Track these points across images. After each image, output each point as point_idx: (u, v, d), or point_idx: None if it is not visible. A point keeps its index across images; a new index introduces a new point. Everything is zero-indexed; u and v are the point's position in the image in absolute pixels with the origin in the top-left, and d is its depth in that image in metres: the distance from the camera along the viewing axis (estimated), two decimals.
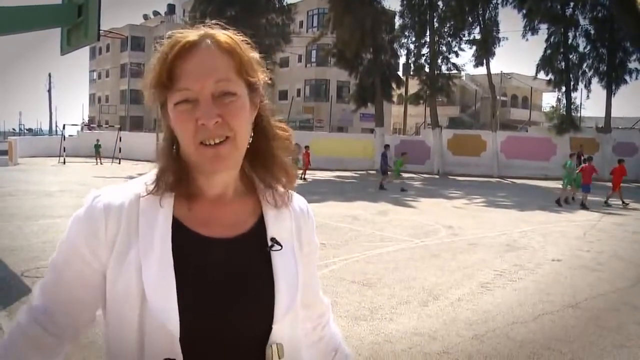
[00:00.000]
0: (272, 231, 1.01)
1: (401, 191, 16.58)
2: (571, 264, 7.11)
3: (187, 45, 0.90)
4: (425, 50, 29.19)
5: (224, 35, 0.93)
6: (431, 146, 27.47)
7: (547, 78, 28.49)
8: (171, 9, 56.88)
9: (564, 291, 5.71)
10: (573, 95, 28.11)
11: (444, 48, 29.12)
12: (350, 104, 32.41)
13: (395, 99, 33.82)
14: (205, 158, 0.91)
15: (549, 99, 63.44)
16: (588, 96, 53.37)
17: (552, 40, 27.49)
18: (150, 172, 0.98)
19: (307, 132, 30.99)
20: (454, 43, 29.00)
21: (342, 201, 13.84)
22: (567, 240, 8.89)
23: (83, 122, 48.49)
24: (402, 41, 30.39)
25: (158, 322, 0.86)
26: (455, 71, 29.70)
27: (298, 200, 1.10)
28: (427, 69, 28.77)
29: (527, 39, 43.40)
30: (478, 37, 28.07)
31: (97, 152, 29.13)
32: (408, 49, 30.57)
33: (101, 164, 28.10)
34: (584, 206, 13.66)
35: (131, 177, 1.03)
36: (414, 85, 31.34)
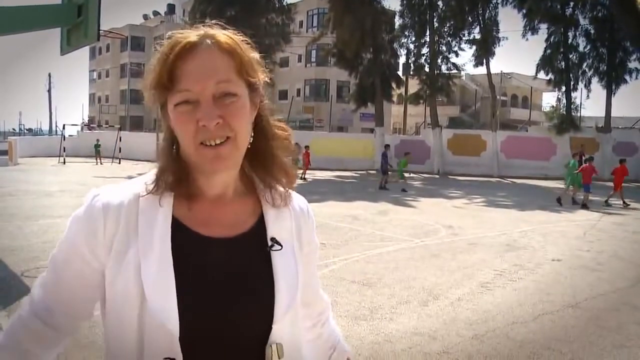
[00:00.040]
0: (272, 231, 1.01)
1: (401, 191, 16.60)
2: (571, 263, 7.11)
3: (187, 45, 0.90)
4: (425, 50, 29.23)
5: (224, 35, 0.93)
6: (431, 146, 27.48)
7: (547, 78, 28.50)
8: (171, 9, 56.86)
9: (564, 291, 5.71)
10: (573, 95, 28.17)
11: (444, 48, 29.14)
12: (350, 103, 32.40)
13: (395, 98, 33.82)
14: (205, 159, 0.91)
15: (549, 99, 63.42)
16: (588, 96, 53.46)
17: (552, 40, 27.50)
18: (149, 172, 0.98)
19: (307, 132, 30.98)
20: (453, 43, 29.06)
21: (342, 201, 13.84)
22: (567, 240, 8.89)
23: (83, 122, 48.51)
24: (402, 41, 30.45)
25: (157, 321, 0.86)
26: (455, 71, 29.73)
27: (298, 199, 1.10)
28: (427, 69, 28.78)
29: (527, 39, 43.42)
30: (478, 36, 28.09)
31: (97, 152, 29.13)
32: (408, 49, 30.63)
33: (101, 164, 28.09)
34: (584, 206, 13.66)
35: (131, 177, 1.04)
36: (414, 85, 31.33)
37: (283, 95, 41.91)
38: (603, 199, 14.60)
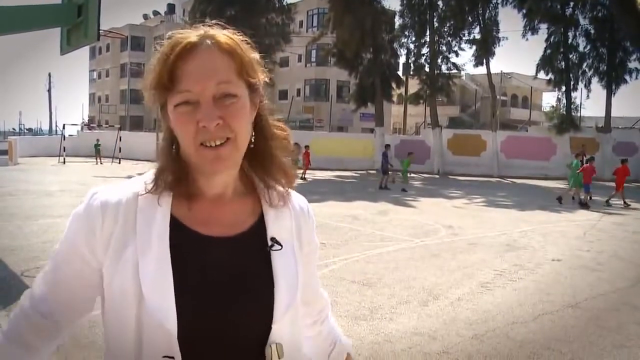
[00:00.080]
0: (272, 231, 1.01)
1: (402, 191, 16.63)
2: (571, 263, 7.11)
3: (188, 46, 0.90)
4: (425, 50, 29.24)
5: (225, 36, 0.93)
6: (431, 146, 27.48)
7: (547, 78, 28.51)
8: (171, 8, 56.86)
9: (564, 291, 5.71)
10: (573, 95, 28.18)
11: (444, 48, 29.16)
12: (350, 103, 32.40)
13: (395, 98, 33.82)
14: (205, 159, 0.91)
15: (549, 99, 63.46)
16: (588, 96, 53.46)
17: (552, 40, 27.51)
18: (149, 172, 0.98)
19: (307, 132, 30.99)
20: (454, 43, 29.08)
21: (342, 201, 13.84)
22: (567, 240, 8.89)
23: (83, 122, 48.50)
24: (402, 41, 30.46)
25: (155, 320, 0.86)
26: (455, 71, 29.75)
27: (298, 199, 1.10)
28: (427, 69, 28.79)
29: (527, 39, 43.39)
30: (478, 36, 28.11)
31: (97, 152, 29.13)
32: (408, 49, 30.64)
33: (101, 163, 28.09)
34: (585, 205, 13.67)
35: (131, 177, 1.04)
36: (414, 85, 31.34)
37: (283, 95, 41.92)
38: (603, 199, 14.59)
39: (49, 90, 61.68)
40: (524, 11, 26.90)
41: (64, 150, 28.39)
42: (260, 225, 1.01)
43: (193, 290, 0.90)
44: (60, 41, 7.73)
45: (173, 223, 0.94)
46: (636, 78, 26.43)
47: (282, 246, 0.99)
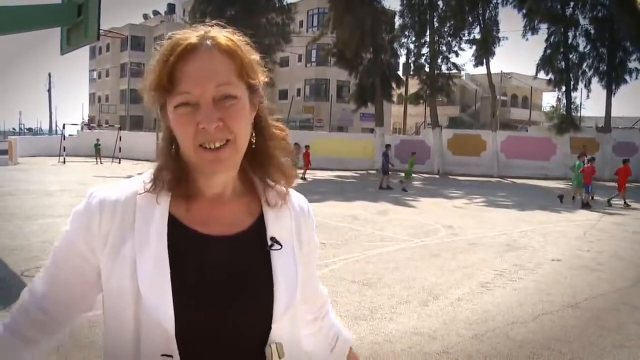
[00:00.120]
0: (271, 230, 1.01)
1: (402, 190, 16.64)
2: (571, 263, 7.11)
3: (188, 47, 0.90)
4: (425, 50, 29.23)
5: (225, 37, 0.93)
6: (431, 146, 27.47)
7: (547, 78, 28.50)
8: (171, 8, 56.85)
9: (563, 291, 5.71)
10: (573, 95, 28.16)
11: (444, 48, 29.15)
12: (350, 103, 32.40)
13: (395, 98, 33.80)
14: (205, 161, 0.91)
15: (549, 99, 63.45)
16: (588, 96, 53.44)
17: (552, 39, 27.50)
18: (148, 171, 0.99)
19: (307, 132, 31.00)
20: (454, 43, 29.07)
21: (342, 201, 13.84)
22: (567, 240, 8.89)
23: (83, 122, 48.57)
24: (402, 41, 30.46)
25: (153, 318, 0.87)
26: (455, 71, 29.74)
27: (298, 199, 1.11)
28: (427, 69, 28.79)
29: (527, 39, 43.39)
30: (478, 36, 28.10)
31: (97, 152, 29.13)
32: (408, 49, 30.64)
33: (101, 163, 28.10)
34: (585, 205, 13.66)
35: (131, 177, 1.04)
36: (414, 85, 31.34)
37: (283, 95, 41.91)
38: (603, 199, 14.60)
39: (49, 90, 61.75)
40: (524, 11, 26.89)
41: (64, 150, 28.39)
42: (259, 224, 1.01)
43: (191, 289, 0.90)
44: (60, 41, 7.74)
45: (171, 222, 0.94)
46: (636, 78, 26.47)
47: (282, 246, 1.00)
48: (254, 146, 0.98)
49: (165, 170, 0.95)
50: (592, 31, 26.86)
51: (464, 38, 28.85)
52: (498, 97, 31.73)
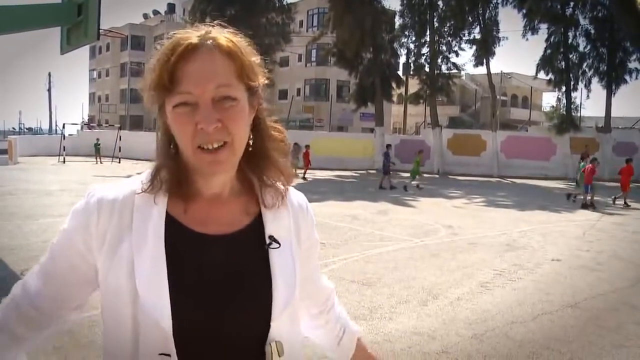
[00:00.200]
0: (270, 229, 1.01)
1: (403, 189, 16.68)
2: (570, 263, 7.12)
3: (189, 47, 0.90)
4: (425, 50, 29.25)
5: (226, 38, 0.93)
6: (431, 146, 27.46)
7: (547, 78, 28.50)
8: (171, 8, 56.86)
9: (563, 291, 5.71)
10: (573, 95, 28.15)
11: (444, 47, 29.17)
12: (350, 103, 32.39)
13: (395, 98, 33.80)
14: (203, 162, 0.91)
15: (549, 99, 63.38)
16: (588, 96, 53.42)
17: (552, 40, 27.50)
18: (146, 171, 0.99)
19: (307, 132, 31.01)
20: (454, 42, 29.09)
21: (342, 200, 13.84)
22: (567, 240, 8.90)
23: (83, 121, 48.59)
24: (402, 41, 30.47)
25: (150, 318, 0.87)
26: (455, 71, 29.75)
27: (297, 196, 1.11)
28: (427, 69, 28.80)
29: (527, 39, 43.29)
30: (478, 36, 28.11)
31: (97, 151, 29.10)
32: (408, 49, 30.66)
33: (101, 163, 28.09)
34: (585, 205, 13.65)
35: (130, 177, 1.04)
36: (414, 85, 31.34)
37: (283, 94, 41.91)
38: (603, 199, 14.60)
39: (49, 90, 61.70)
40: (524, 11, 26.89)
41: (64, 150, 28.36)
42: (257, 223, 1.01)
43: (189, 288, 0.90)
44: (60, 40, 7.73)
45: (169, 221, 0.94)
46: (636, 78, 26.48)
47: (280, 244, 1.00)
48: (251, 148, 0.98)
49: (163, 170, 0.95)
50: (592, 31, 26.87)
51: (464, 38, 28.92)
52: (498, 97, 31.74)
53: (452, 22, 28.11)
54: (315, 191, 15.15)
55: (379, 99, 28.10)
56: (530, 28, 27.27)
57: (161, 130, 0.98)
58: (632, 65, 26.18)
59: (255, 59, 0.97)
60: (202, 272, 0.92)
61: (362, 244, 7.98)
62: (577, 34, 27.37)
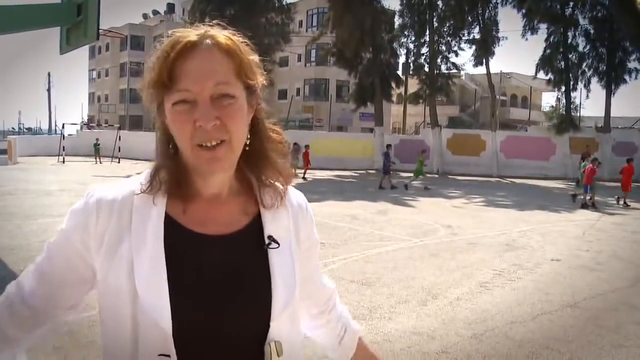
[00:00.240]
0: (269, 229, 1.01)
1: (404, 187, 16.72)
2: (570, 263, 7.12)
3: (188, 45, 0.90)
4: (424, 50, 29.26)
5: (225, 36, 0.93)
6: (430, 145, 27.47)
7: (547, 78, 28.51)
8: (171, 8, 56.84)
9: (562, 291, 5.72)
10: (572, 94, 28.15)
11: (444, 47, 29.18)
12: (349, 103, 32.40)
13: (394, 98, 33.82)
14: (202, 159, 0.91)
15: (549, 99, 63.46)
16: (587, 96, 53.34)
17: (551, 39, 27.51)
18: (145, 171, 0.99)
19: (306, 132, 31.01)
20: (453, 42, 29.10)
21: (342, 200, 13.84)
22: (566, 240, 8.90)
23: (82, 121, 48.57)
24: (402, 40, 30.47)
25: (150, 318, 0.87)
26: (454, 70, 29.77)
27: (296, 196, 1.11)
28: (426, 69, 28.81)
29: (526, 39, 43.47)
30: (477, 36, 28.12)
31: (96, 151, 29.11)
32: (407, 49, 30.67)
33: (100, 163, 28.09)
34: (586, 205, 13.65)
35: (130, 177, 1.04)
36: (413, 85, 31.35)
37: (282, 94, 41.90)
38: (603, 199, 14.61)
39: (49, 90, 61.61)
40: (524, 11, 26.89)
41: (64, 150, 28.38)
42: (256, 223, 1.01)
43: (188, 289, 0.90)
44: (59, 40, 7.73)
45: (168, 222, 0.94)
46: (635, 78, 26.47)
47: (279, 244, 1.00)
48: (247, 148, 0.98)
49: (162, 171, 0.95)
50: (592, 31, 26.88)
51: (463, 38, 28.93)
52: (497, 97, 31.72)
53: (452, 22, 28.12)
54: (315, 191, 15.15)
55: (378, 98, 28.10)
56: (530, 28, 27.29)
57: (160, 130, 0.98)
58: (632, 65, 26.22)
59: (254, 58, 0.97)
60: (201, 272, 0.92)
61: (361, 244, 7.98)
62: (577, 33, 27.40)
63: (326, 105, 37.96)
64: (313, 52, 40.08)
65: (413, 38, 29.73)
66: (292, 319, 0.99)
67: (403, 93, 33.32)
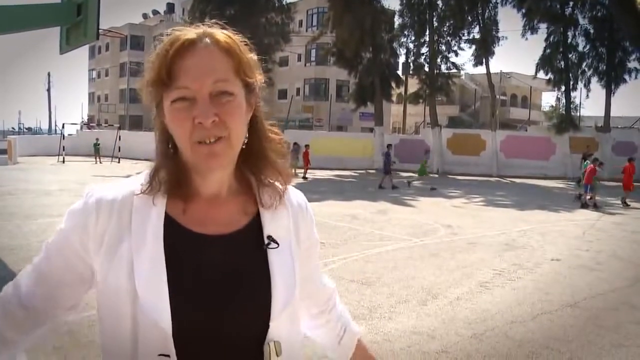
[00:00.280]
0: (268, 229, 1.01)
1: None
2: (570, 263, 7.12)
3: (186, 43, 0.90)
4: (424, 50, 29.26)
5: (223, 35, 0.94)
6: (430, 145, 27.47)
7: (547, 77, 28.52)
8: (170, 8, 56.84)
9: (562, 290, 5.72)
10: (572, 94, 28.15)
11: (444, 47, 29.18)
12: (349, 103, 32.40)
13: (394, 98, 33.82)
14: (200, 155, 0.91)
15: (549, 99, 63.51)
16: (587, 95, 53.38)
17: (551, 39, 27.51)
18: (145, 171, 0.99)
19: (306, 131, 31.02)
20: (453, 42, 29.10)
21: (342, 200, 13.84)
22: (566, 240, 8.90)
23: (82, 121, 48.56)
24: (402, 40, 30.48)
25: (150, 319, 0.87)
26: (454, 70, 29.78)
27: (296, 195, 1.11)
28: (426, 68, 28.81)
29: (526, 38, 43.55)
30: (477, 36, 28.13)
31: (96, 151, 29.11)
32: (407, 48, 30.68)
33: (100, 163, 28.09)
34: (586, 205, 13.65)
35: (130, 176, 1.04)
36: (413, 85, 31.35)
37: (282, 94, 41.90)
38: (602, 199, 14.62)
39: (49, 90, 61.58)
40: (524, 11, 26.89)
41: (64, 150, 28.38)
42: (256, 223, 1.01)
43: (188, 289, 0.90)
44: (59, 40, 7.73)
45: (168, 222, 0.94)
46: (635, 78, 26.48)
47: (278, 244, 1.00)
48: (244, 146, 0.98)
49: (162, 171, 0.95)
50: (592, 31, 26.88)
51: (463, 38, 28.94)
52: (497, 96, 31.73)
53: (452, 22, 28.13)
54: (315, 191, 15.15)
55: (378, 98, 28.10)
56: (530, 28, 27.29)
57: (159, 130, 0.98)
58: (632, 64, 26.22)
59: (252, 56, 0.97)
60: (201, 272, 0.92)
61: (361, 244, 7.98)
62: (577, 33, 27.41)
63: (326, 105, 37.96)
64: (313, 51, 40.08)
65: (413, 38, 29.76)
66: (291, 319, 0.99)
67: (403, 93, 33.33)
